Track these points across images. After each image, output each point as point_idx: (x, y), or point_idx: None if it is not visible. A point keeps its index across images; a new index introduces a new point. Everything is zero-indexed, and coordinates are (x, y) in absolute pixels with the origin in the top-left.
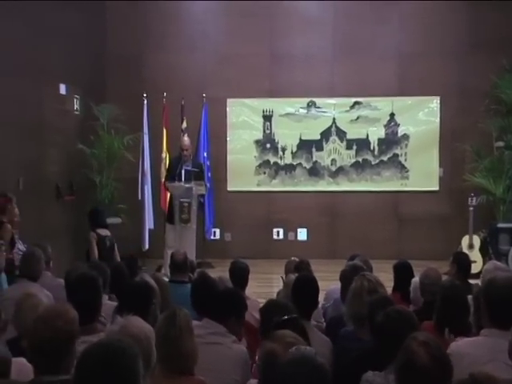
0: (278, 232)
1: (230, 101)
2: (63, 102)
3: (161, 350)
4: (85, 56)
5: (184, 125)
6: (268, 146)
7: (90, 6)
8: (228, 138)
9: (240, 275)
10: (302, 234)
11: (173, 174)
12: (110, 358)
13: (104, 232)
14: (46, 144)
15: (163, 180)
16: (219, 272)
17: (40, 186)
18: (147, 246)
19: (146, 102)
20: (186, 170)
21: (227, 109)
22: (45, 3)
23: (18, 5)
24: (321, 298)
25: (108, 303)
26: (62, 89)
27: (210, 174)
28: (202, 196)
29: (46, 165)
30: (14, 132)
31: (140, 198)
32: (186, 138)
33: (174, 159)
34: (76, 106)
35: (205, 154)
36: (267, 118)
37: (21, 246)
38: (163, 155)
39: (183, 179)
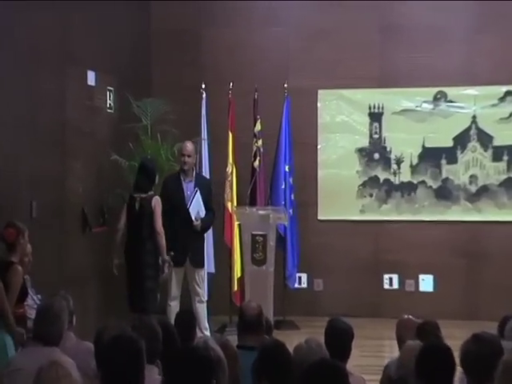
0: (390, 279)
1: (322, 93)
2: (91, 96)
3: None
4: (121, 34)
5: (257, 127)
6: (376, 156)
7: None
8: (319, 146)
9: (340, 341)
10: (425, 283)
11: (173, 197)
12: None
13: (139, 193)
14: (69, 154)
15: (228, 204)
16: (306, 334)
17: (60, 213)
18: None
19: (204, 95)
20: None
21: (318, 104)
22: None
23: None
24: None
25: (157, 378)
26: (91, 78)
27: (292, 197)
28: (283, 227)
29: (68, 183)
30: (26, 137)
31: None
32: (188, 144)
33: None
34: (109, 102)
35: (286, 168)
36: (375, 116)
37: (34, 297)
38: (228, 170)
39: (189, 201)
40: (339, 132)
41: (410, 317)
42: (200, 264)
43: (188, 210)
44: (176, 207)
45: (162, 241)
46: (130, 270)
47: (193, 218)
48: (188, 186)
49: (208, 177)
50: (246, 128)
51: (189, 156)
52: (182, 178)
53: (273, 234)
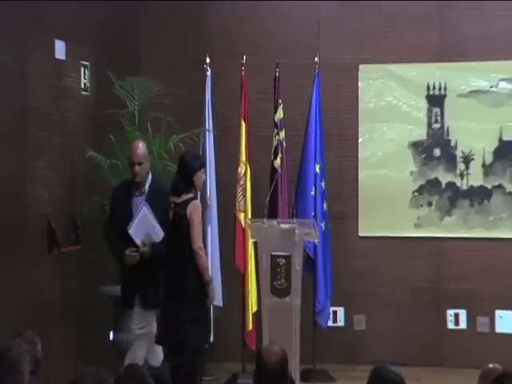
0: (455, 316)
1: (364, 69)
2: (60, 74)
3: None
4: None
5: (279, 114)
6: (437, 152)
7: None
8: (360, 139)
9: None
10: (504, 322)
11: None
12: None
13: (173, 197)
14: (30, 150)
15: (240, 215)
16: None
17: (20, 228)
18: (212, 339)
19: (209, 73)
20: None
21: (359, 84)
22: None
23: None
24: None
25: None
26: (60, 49)
27: (325, 206)
28: (312, 246)
29: (29, 188)
30: None
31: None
32: (138, 147)
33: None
34: (84, 81)
35: (317, 169)
36: (436, 99)
37: None
38: (240, 170)
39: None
40: (387, 120)
41: (497, 366)
42: (151, 304)
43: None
44: (122, 229)
45: (201, 260)
46: (167, 298)
47: (137, 243)
48: (137, 202)
49: (214, 181)
50: (265, 116)
51: (140, 164)
52: (132, 191)
53: (299, 256)
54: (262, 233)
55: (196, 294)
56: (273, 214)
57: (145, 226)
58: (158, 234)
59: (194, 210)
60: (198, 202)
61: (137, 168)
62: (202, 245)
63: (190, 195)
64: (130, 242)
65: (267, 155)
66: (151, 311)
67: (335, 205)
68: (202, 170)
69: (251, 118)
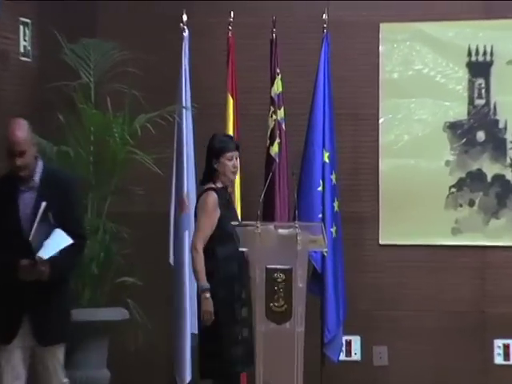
0: (505, 348)
1: (386, 28)
2: None
3: None
4: None
5: (277, 87)
6: (481, 136)
7: None
8: (381, 120)
9: None
10: None
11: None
12: None
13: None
14: None
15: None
16: None
17: None
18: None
19: (186, 35)
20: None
21: (380, 47)
22: None
23: None
24: None
25: None
26: None
27: (336, 206)
28: (320, 257)
29: None
30: None
31: (172, 261)
32: (16, 133)
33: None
34: (24, 44)
35: (325, 158)
36: (480, 68)
37: None
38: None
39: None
40: (416, 95)
41: None
42: (54, 339)
43: (29, 241)
44: (7, 236)
45: (196, 263)
46: None
47: (42, 256)
48: (25, 199)
49: (194, 172)
50: (258, 90)
51: (22, 154)
52: (17, 186)
53: (302, 269)
54: (254, 240)
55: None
56: (269, 215)
57: (47, 232)
58: (62, 241)
59: (201, 201)
60: (212, 193)
61: (19, 161)
62: (199, 245)
63: (210, 185)
64: (21, 253)
65: (261, 140)
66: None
67: (349, 204)
68: (228, 154)
69: (241, 92)
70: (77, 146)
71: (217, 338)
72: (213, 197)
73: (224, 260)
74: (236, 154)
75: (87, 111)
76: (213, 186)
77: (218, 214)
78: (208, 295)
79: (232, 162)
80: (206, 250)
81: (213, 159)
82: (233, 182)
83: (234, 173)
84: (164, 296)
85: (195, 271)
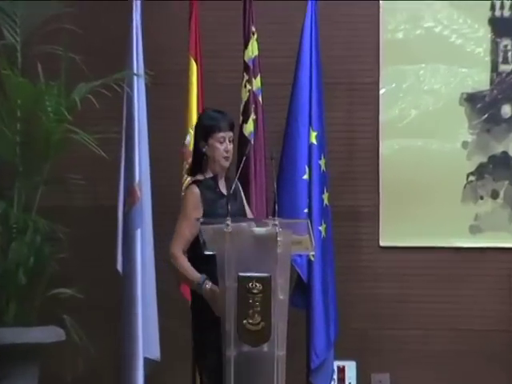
0: None
1: None
2: None
3: None
4: None
5: (252, 51)
6: (507, 111)
7: None
8: (382, 90)
9: None
10: None
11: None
12: None
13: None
14: None
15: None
16: None
17: None
18: None
19: None
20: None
21: (381, 0)
22: None
23: None
24: None
25: None
26: None
27: (325, 198)
28: (304, 262)
29: None
30: None
31: (121, 268)
32: None
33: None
34: None
35: (312, 139)
36: (505, 25)
37: None
38: (189, 140)
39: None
40: (425, 60)
41: None
42: None
43: None
44: None
45: (179, 266)
46: None
47: None
48: None
49: (148, 158)
50: (228, 53)
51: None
52: None
53: (284, 278)
54: (223, 241)
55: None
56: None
57: None
58: None
59: (183, 198)
60: (192, 188)
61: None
62: (177, 252)
63: (198, 177)
64: None
65: (232, 116)
66: None
67: (342, 197)
68: (219, 135)
69: (206, 56)
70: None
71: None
72: (193, 193)
73: (207, 272)
74: (229, 134)
75: (12, 79)
76: (198, 177)
77: (200, 213)
78: (209, 284)
79: (224, 145)
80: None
81: (200, 141)
82: (225, 170)
83: (227, 158)
84: (110, 312)
85: (182, 276)
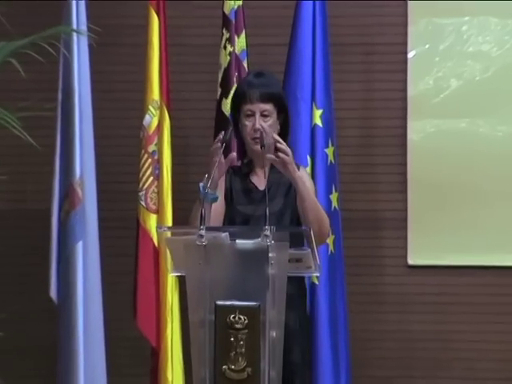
0: None
1: None
2: None
3: None
4: None
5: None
6: None
7: None
8: (411, 53)
9: None
10: None
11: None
12: None
13: None
14: None
15: (147, 218)
16: None
17: None
18: None
19: None
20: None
21: None
22: None
23: None
24: None
25: None
26: None
27: (333, 200)
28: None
29: None
30: None
31: (55, 295)
32: None
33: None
34: None
35: (316, 119)
36: None
37: None
38: (149, 121)
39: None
40: (470, 12)
41: None
42: None
43: None
44: None
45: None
46: None
47: None
48: None
49: (93, 155)
50: (201, 0)
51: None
52: None
53: (278, 308)
54: (195, 258)
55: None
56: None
57: None
58: None
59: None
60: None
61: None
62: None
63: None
64: None
65: (207, 88)
66: None
67: (356, 198)
68: (245, 107)
69: (172, 7)
70: None
71: None
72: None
73: None
74: (262, 107)
75: None
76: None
77: (220, 208)
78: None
79: (251, 121)
80: None
81: (232, 116)
82: (258, 154)
83: (256, 139)
84: (43, 352)
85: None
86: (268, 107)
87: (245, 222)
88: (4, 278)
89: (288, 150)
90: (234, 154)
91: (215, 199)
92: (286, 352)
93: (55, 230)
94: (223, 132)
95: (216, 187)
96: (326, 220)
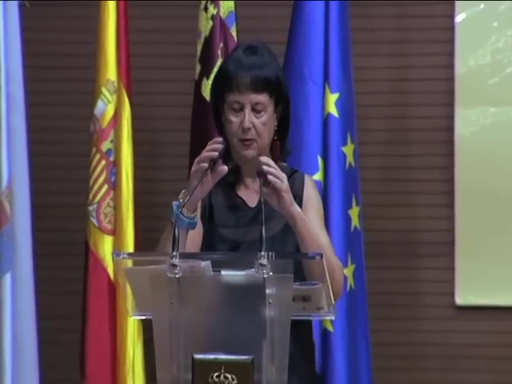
0: None
1: None
2: None
3: None
4: None
5: None
6: None
7: None
8: (459, 17)
9: None
10: None
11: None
12: None
13: None
14: None
15: (99, 240)
16: None
17: None
18: None
19: None
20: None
21: None
22: None
23: None
24: None
25: None
26: None
27: (352, 216)
28: (317, 330)
29: None
30: None
31: None
32: None
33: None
34: None
35: (330, 107)
36: None
37: None
38: (102, 110)
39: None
40: None
41: None
42: None
43: None
44: None
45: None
46: None
47: None
48: None
49: (26, 155)
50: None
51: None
52: None
53: (278, 363)
54: (166, 295)
55: None
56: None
57: None
58: None
59: None
60: None
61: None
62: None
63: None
64: None
65: (183, 64)
66: None
67: (384, 214)
68: (230, 97)
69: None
70: None
71: None
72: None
73: None
74: (251, 98)
75: None
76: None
77: (198, 236)
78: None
79: (238, 117)
80: None
81: (215, 105)
82: (246, 160)
83: (247, 142)
84: None
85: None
86: (262, 98)
87: (230, 251)
88: None
89: (281, 173)
90: (225, 167)
91: (193, 225)
92: None
93: None
94: (217, 141)
95: (195, 209)
96: (339, 272)
